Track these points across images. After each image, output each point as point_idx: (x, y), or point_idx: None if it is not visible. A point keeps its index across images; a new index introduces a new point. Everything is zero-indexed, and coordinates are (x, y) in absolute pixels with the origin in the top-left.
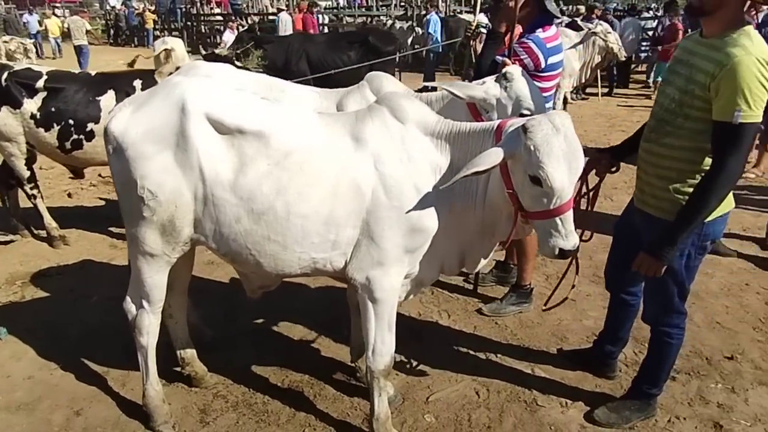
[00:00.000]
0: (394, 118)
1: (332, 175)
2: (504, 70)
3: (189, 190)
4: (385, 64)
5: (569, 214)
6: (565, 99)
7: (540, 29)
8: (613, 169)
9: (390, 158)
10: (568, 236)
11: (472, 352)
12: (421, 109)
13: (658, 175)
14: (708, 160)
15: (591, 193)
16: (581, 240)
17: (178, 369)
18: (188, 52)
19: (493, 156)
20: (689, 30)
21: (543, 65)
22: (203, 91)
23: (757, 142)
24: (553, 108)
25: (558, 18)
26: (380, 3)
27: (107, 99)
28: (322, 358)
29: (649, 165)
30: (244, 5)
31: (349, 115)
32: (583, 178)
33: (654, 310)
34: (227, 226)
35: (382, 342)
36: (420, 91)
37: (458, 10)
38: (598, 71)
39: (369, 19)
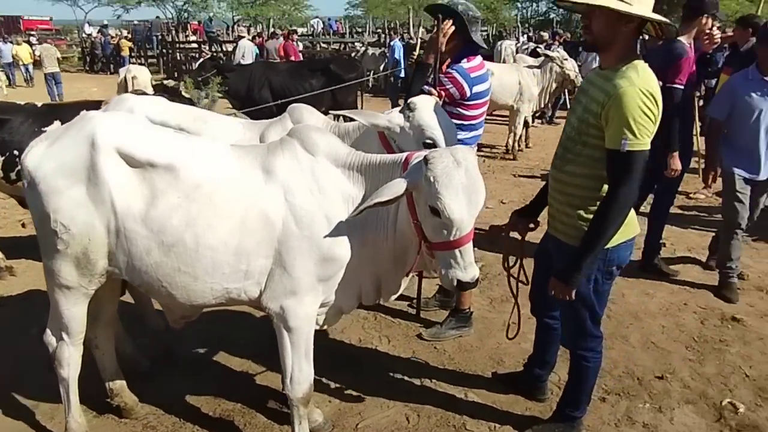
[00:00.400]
0: (305, 151)
1: (241, 206)
2: (409, 101)
3: (101, 223)
4: (347, 91)
5: (469, 247)
6: (526, 123)
7: (465, 59)
8: (532, 226)
9: (300, 189)
10: (467, 268)
11: (407, 378)
12: (332, 142)
13: (563, 202)
14: (606, 190)
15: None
16: (521, 282)
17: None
18: (163, 78)
19: (396, 187)
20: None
21: (468, 94)
22: (114, 125)
23: (699, 162)
24: (511, 133)
25: (483, 48)
26: (354, 30)
27: (53, 130)
28: (256, 387)
29: (556, 192)
30: (218, 33)
31: (262, 147)
32: (506, 238)
33: (570, 334)
34: (139, 258)
35: (300, 370)
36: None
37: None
38: (567, 95)
39: (342, 45)
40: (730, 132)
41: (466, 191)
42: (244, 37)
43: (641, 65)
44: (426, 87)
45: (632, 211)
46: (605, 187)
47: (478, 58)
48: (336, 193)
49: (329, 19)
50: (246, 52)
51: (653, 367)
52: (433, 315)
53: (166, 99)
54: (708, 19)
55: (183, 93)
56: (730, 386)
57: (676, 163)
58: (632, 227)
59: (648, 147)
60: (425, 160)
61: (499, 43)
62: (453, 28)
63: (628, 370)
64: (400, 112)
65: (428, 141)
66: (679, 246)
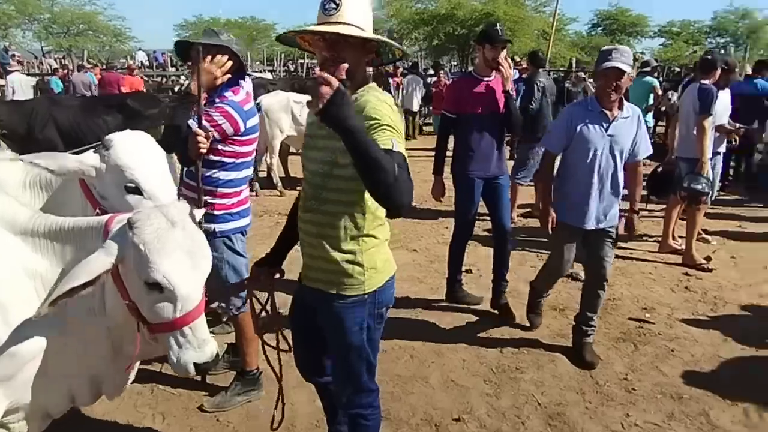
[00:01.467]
0: None
1: None
2: (106, 137)
3: None
4: (148, 129)
5: (201, 321)
6: None
7: (230, 92)
8: (277, 276)
9: None
10: (202, 346)
11: None
12: (5, 203)
13: (322, 246)
14: (369, 225)
15: (269, 306)
16: (286, 351)
17: None
18: None
19: (96, 263)
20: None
21: (243, 129)
22: None
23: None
24: None
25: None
26: (179, 63)
27: None
28: None
29: (311, 237)
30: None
31: None
32: (251, 295)
33: (345, 393)
34: None
35: None
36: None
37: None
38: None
39: (164, 78)
40: (560, 173)
41: (188, 255)
42: (15, 70)
43: (375, 86)
44: (191, 122)
45: (388, 249)
46: (364, 222)
47: (243, 91)
48: (13, 268)
49: (155, 52)
50: (16, 87)
51: (452, 409)
52: (222, 379)
53: None
54: (483, 48)
55: None
56: (522, 418)
57: (435, 186)
58: (391, 265)
59: (403, 151)
60: (129, 223)
61: None
62: (230, 62)
63: (427, 416)
64: (95, 151)
65: (130, 185)
66: (485, 272)
